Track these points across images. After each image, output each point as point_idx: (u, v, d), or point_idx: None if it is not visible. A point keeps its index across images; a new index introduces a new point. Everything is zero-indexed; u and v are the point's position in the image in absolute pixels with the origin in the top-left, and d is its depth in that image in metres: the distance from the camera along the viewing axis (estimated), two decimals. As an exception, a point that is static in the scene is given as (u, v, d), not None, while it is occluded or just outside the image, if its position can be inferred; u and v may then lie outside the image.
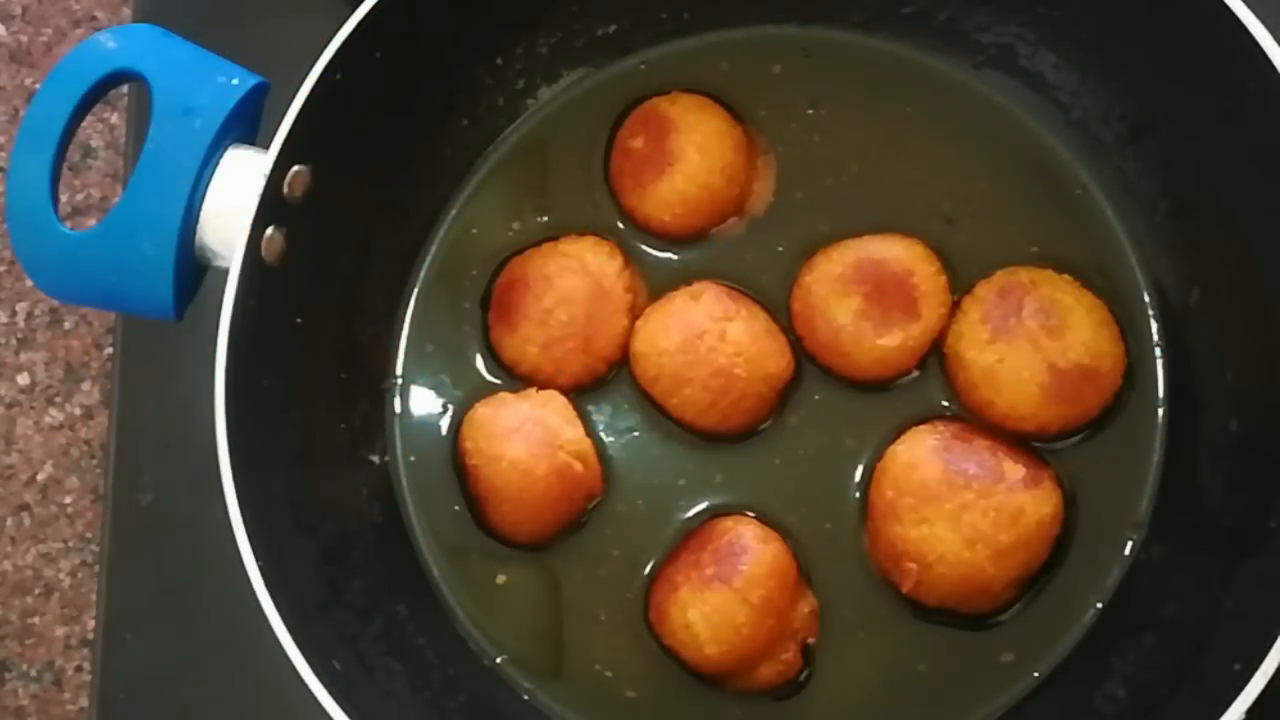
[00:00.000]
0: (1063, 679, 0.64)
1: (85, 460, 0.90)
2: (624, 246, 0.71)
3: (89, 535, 0.89)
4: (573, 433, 0.67)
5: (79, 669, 0.88)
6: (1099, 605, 0.65)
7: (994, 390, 0.65)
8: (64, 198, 0.89)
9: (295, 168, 0.63)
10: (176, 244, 0.62)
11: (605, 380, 0.70)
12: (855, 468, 0.67)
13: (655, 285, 0.70)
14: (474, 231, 0.73)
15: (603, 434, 0.69)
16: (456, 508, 0.69)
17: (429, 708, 0.65)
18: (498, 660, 0.68)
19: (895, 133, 0.71)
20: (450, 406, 0.71)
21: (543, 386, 0.69)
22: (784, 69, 0.72)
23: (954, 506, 0.62)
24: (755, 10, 0.73)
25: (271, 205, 0.62)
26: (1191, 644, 0.61)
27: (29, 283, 0.73)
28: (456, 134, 0.73)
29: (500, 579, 0.68)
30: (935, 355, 0.67)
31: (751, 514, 0.67)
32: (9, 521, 0.91)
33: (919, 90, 0.71)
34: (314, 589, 0.63)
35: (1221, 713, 0.54)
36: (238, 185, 0.62)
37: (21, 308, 0.93)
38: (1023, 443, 0.65)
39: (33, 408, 0.92)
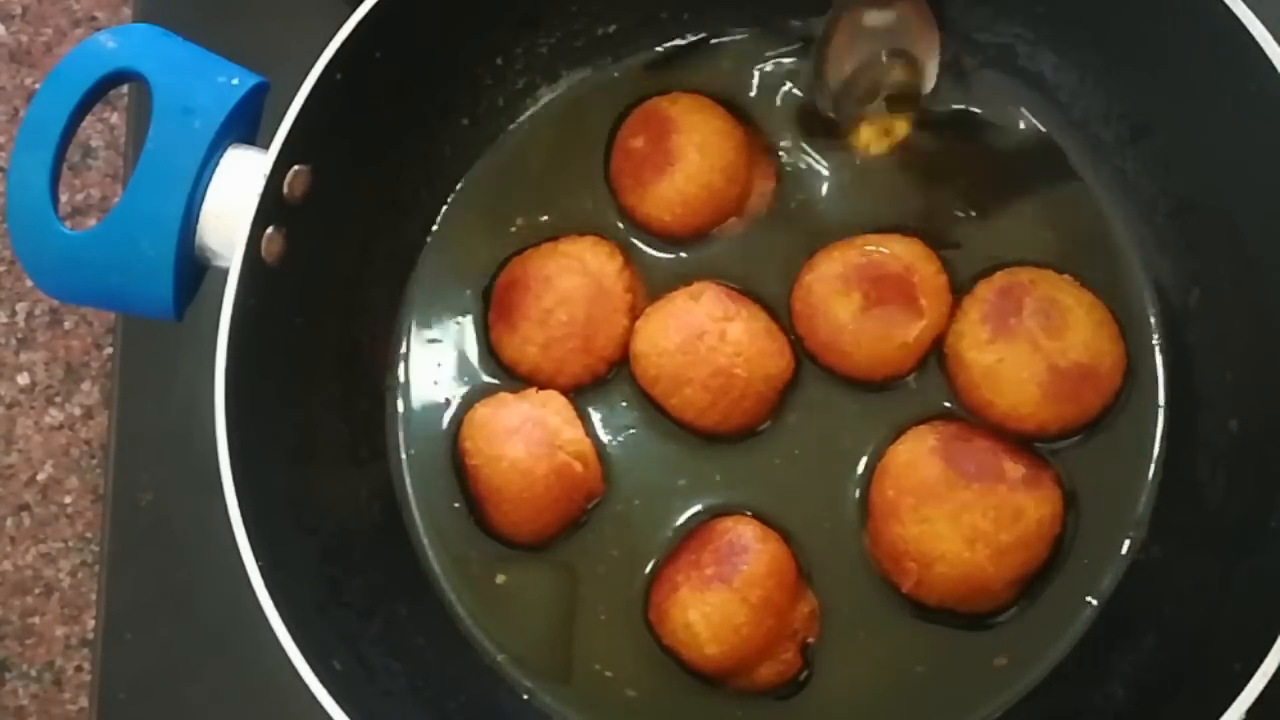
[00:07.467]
0: (1062, 679, 0.64)
1: (85, 460, 0.90)
2: (624, 246, 0.71)
3: (89, 535, 0.89)
4: (573, 433, 0.68)
5: (79, 669, 0.88)
6: (1098, 605, 0.65)
7: (994, 390, 0.65)
8: (64, 198, 0.89)
9: (295, 168, 0.62)
10: (176, 244, 0.62)
11: (605, 380, 0.70)
12: (855, 468, 0.67)
13: (655, 285, 0.70)
14: (474, 231, 0.73)
15: (602, 434, 0.69)
16: (456, 507, 0.69)
17: (429, 708, 0.65)
18: (498, 660, 0.68)
19: (895, 133, 0.71)
20: (450, 406, 0.71)
21: (543, 386, 0.69)
22: (784, 67, 0.72)
23: (954, 506, 0.62)
24: (755, 10, 0.73)
25: (271, 205, 0.62)
26: (1191, 644, 0.61)
27: (29, 283, 0.73)
28: (456, 134, 0.73)
29: (500, 579, 0.69)
30: (935, 355, 0.68)
31: (751, 514, 0.67)
32: (9, 521, 0.90)
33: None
34: (314, 589, 0.63)
35: (1221, 713, 0.54)
36: (238, 185, 0.62)
37: (21, 308, 0.93)
38: (1023, 443, 0.65)
39: (33, 408, 0.92)
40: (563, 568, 0.68)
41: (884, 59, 0.67)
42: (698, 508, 0.68)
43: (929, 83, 0.68)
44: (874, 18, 0.67)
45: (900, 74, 0.68)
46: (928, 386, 0.68)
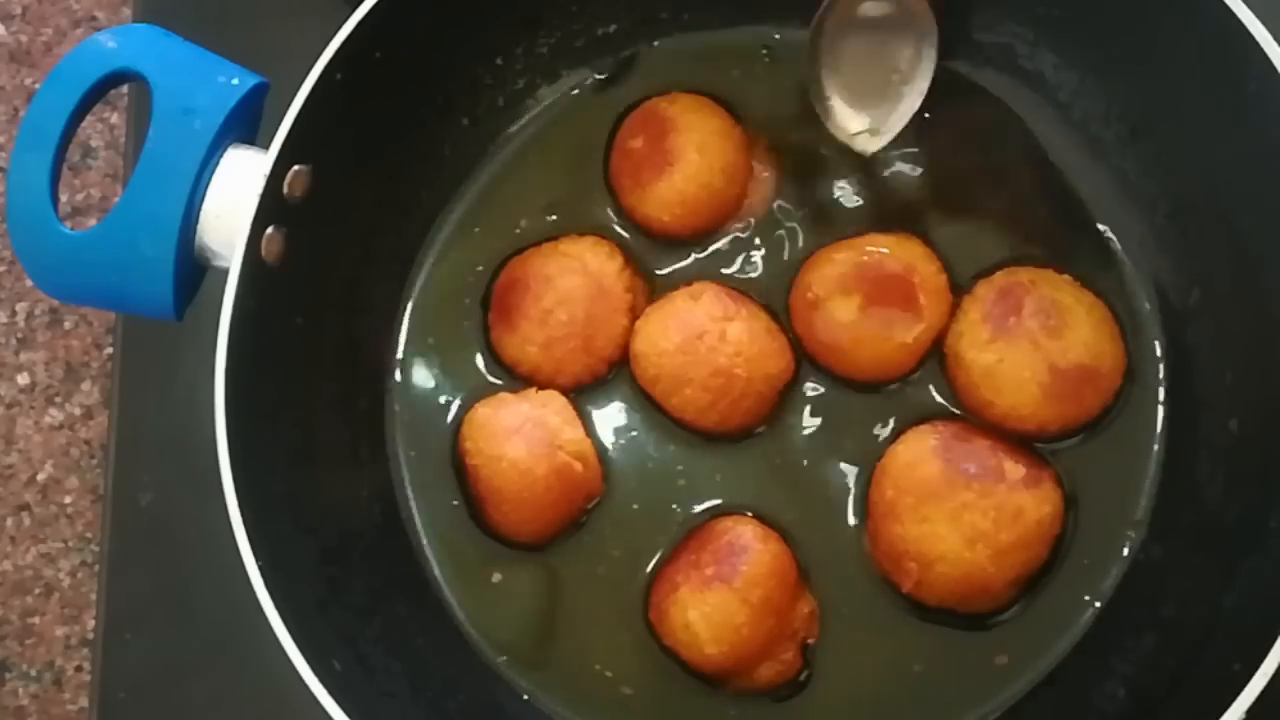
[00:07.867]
0: (1062, 679, 0.64)
1: (85, 460, 0.91)
2: (624, 246, 0.71)
3: (89, 535, 0.89)
4: (573, 433, 0.68)
5: (79, 669, 0.88)
6: (1098, 605, 0.65)
7: (994, 390, 0.65)
8: (64, 198, 0.89)
9: (295, 168, 0.63)
10: (176, 244, 0.62)
11: (605, 380, 0.70)
12: (855, 468, 0.67)
13: (655, 285, 0.70)
14: (474, 231, 0.73)
15: (603, 434, 0.69)
16: (456, 507, 0.69)
17: (429, 708, 0.65)
18: (498, 660, 0.68)
19: (895, 132, 0.71)
20: (450, 406, 0.71)
21: (543, 386, 0.69)
22: (784, 68, 0.72)
23: (954, 506, 0.62)
24: (755, 10, 0.73)
25: (271, 205, 0.62)
26: (1191, 644, 0.61)
27: (29, 283, 0.73)
28: (456, 134, 0.73)
29: (500, 579, 0.68)
30: (935, 355, 0.67)
31: (751, 514, 0.67)
32: (9, 521, 0.91)
33: (919, 90, 0.71)
34: (314, 589, 0.63)
35: (1221, 713, 0.54)
36: (238, 185, 0.62)
37: (21, 308, 0.93)
38: (1023, 443, 0.65)
39: (33, 408, 0.92)
40: (562, 568, 0.68)
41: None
42: (698, 508, 0.68)
43: (926, 78, 0.67)
44: (870, 7, 0.67)
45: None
46: (928, 386, 0.68)
